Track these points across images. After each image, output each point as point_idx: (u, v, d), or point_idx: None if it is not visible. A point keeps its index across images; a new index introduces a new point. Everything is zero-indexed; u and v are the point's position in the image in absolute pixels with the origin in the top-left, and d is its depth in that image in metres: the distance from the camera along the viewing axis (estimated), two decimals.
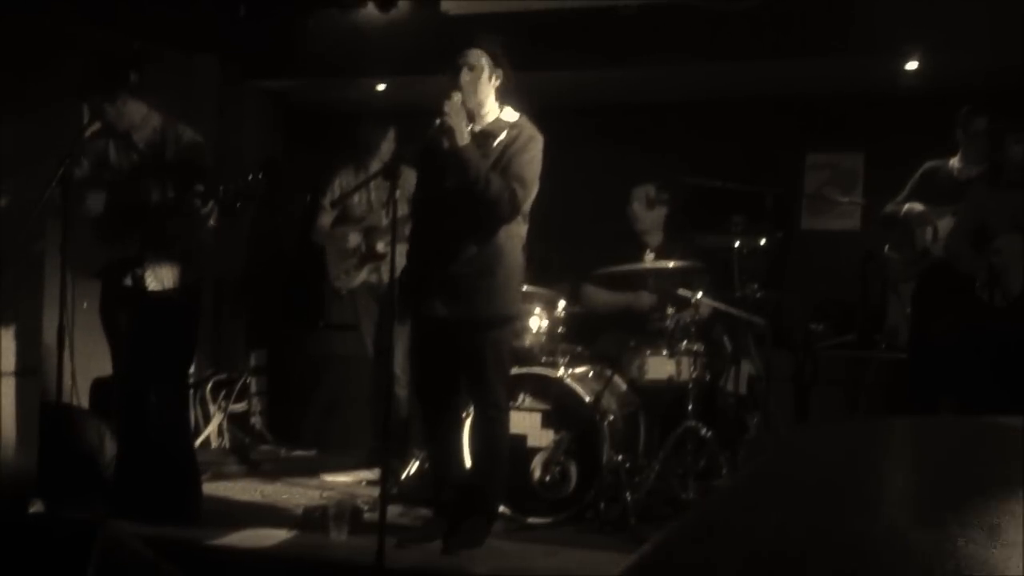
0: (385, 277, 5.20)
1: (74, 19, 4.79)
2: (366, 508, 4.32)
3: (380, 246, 5.37)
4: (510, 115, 4.00)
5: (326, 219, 5.58)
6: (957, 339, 4.47)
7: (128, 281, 4.20)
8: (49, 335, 4.26)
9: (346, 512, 4.05)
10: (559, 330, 4.76)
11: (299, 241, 6.21)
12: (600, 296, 5.23)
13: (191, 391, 5.51)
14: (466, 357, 3.98)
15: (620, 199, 5.36)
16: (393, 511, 4.12)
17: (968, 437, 1.45)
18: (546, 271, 5.01)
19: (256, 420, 6.35)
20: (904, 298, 4.89)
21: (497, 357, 3.98)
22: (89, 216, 4.18)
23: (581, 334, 5.00)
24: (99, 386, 5.12)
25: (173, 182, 4.07)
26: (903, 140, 5.59)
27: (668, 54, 5.61)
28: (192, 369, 5.06)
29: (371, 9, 5.77)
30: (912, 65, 5.44)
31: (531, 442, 4.42)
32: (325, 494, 4.85)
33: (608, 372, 4.61)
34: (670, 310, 4.72)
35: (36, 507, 4.18)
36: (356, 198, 5.49)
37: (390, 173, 3.74)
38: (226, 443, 6.01)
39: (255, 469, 5.52)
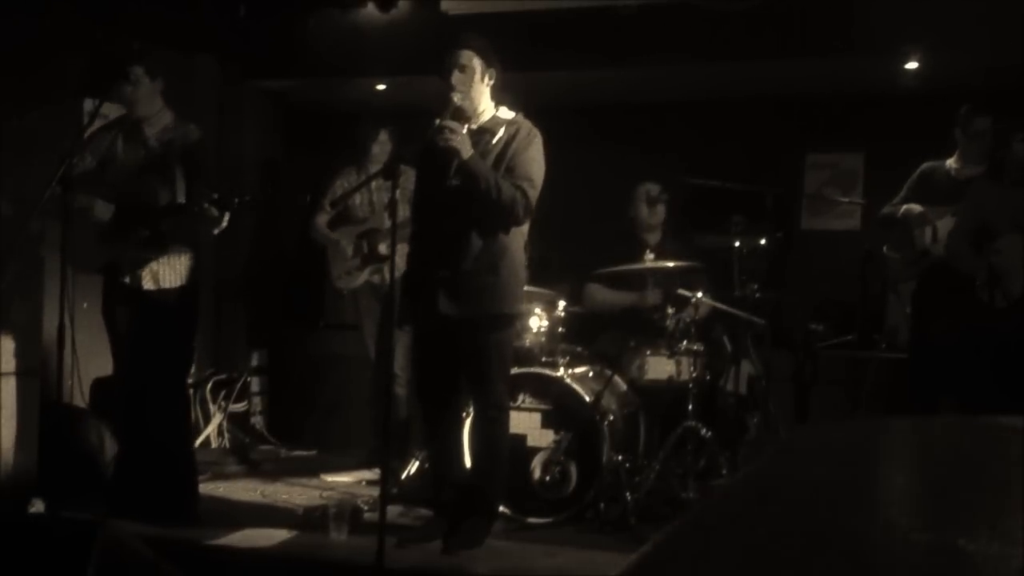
0: (387, 277, 5.21)
1: (74, 19, 4.80)
2: (366, 508, 4.33)
3: (382, 247, 5.38)
4: (506, 113, 4.01)
5: (323, 218, 5.59)
6: (957, 339, 4.47)
7: (127, 279, 4.20)
8: (49, 335, 4.26)
9: (346, 512, 4.05)
10: (559, 330, 4.76)
11: (299, 241, 6.22)
12: (601, 295, 5.23)
13: (191, 391, 5.51)
14: (467, 356, 3.98)
15: (620, 199, 5.36)
16: (393, 511, 4.12)
17: (968, 437, 1.45)
18: (546, 271, 5.01)
19: (256, 420, 6.36)
20: (904, 298, 4.89)
21: (498, 356, 3.98)
22: (93, 220, 4.19)
23: (581, 334, 5.00)
24: (99, 386, 5.12)
25: (177, 180, 4.07)
26: (903, 140, 5.58)
27: (668, 54, 5.61)
28: (192, 369, 5.06)
29: (371, 9, 5.77)
30: (912, 65, 5.44)
31: (531, 442, 4.42)
32: (325, 494, 4.85)
33: (608, 372, 4.61)
34: (670, 310, 4.72)
35: (36, 507, 4.18)
36: (357, 199, 5.49)
37: (390, 173, 3.75)
38: (226, 443, 6.01)
39: (255, 469, 5.52)
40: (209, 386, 6.05)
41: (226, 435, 6.03)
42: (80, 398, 5.04)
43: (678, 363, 4.66)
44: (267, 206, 5.95)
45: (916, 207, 4.65)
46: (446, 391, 4.10)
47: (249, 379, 6.31)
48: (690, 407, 4.53)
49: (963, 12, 4.99)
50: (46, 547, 3.74)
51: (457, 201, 3.85)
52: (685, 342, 4.65)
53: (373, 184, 5.09)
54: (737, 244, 4.86)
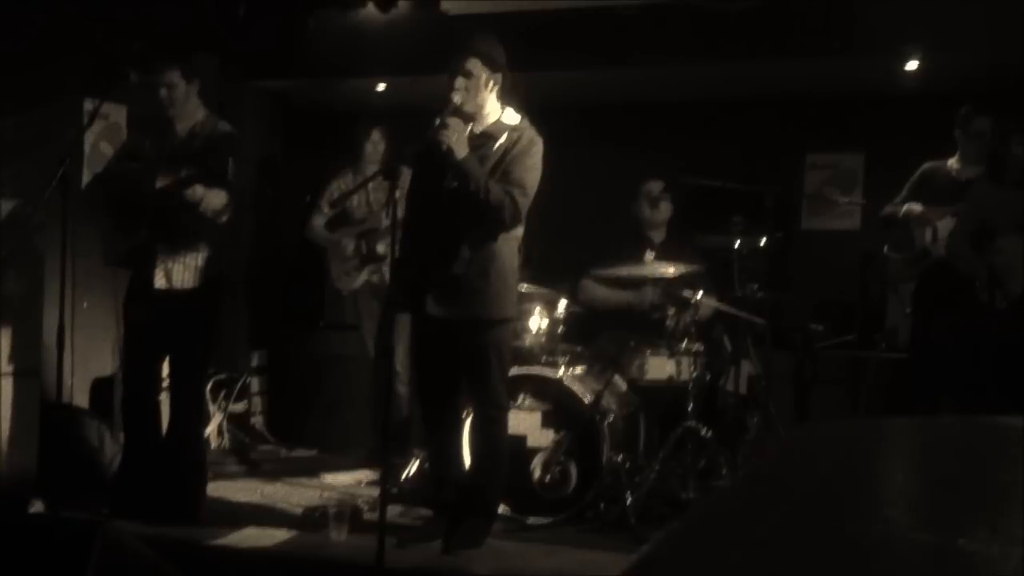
0: (387, 277, 5.21)
1: (74, 19, 4.80)
2: (366, 508, 4.33)
3: (380, 247, 5.39)
4: (511, 117, 4.00)
5: (320, 220, 5.60)
6: (957, 339, 4.47)
7: (145, 276, 4.18)
8: (49, 335, 4.26)
9: (346, 512, 4.05)
10: (559, 330, 4.75)
11: (299, 241, 6.22)
12: (599, 292, 5.22)
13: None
14: (466, 357, 3.98)
15: (620, 198, 5.36)
16: (393, 511, 4.12)
17: (968, 437, 1.45)
18: (546, 270, 5.01)
19: (256, 420, 6.36)
20: (904, 298, 4.89)
21: (496, 357, 3.98)
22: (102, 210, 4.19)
23: (581, 334, 5.00)
24: (99, 386, 5.12)
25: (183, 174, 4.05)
26: (903, 140, 5.58)
27: (668, 54, 5.61)
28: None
29: (371, 9, 5.77)
30: (912, 65, 5.44)
31: (531, 442, 4.42)
32: (325, 494, 4.85)
33: (608, 372, 4.61)
34: (670, 310, 4.71)
35: (36, 507, 4.18)
36: (355, 200, 5.50)
37: (390, 174, 3.74)
38: (226, 443, 6.01)
39: (255, 469, 5.52)
40: (209, 386, 6.05)
41: (226, 435, 6.03)
42: (80, 398, 5.04)
43: (678, 363, 4.65)
44: (266, 205, 5.95)
45: (917, 207, 4.65)
46: (446, 391, 4.10)
47: (249, 379, 6.31)
48: (690, 407, 4.53)
49: (963, 12, 4.99)
50: (46, 547, 3.74)
51: (451, 203, 3.84)
52: (685, 342, 4.65)
53: (371, 184, 5.09)
54: (737, 244, 4.85)
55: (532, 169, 3.90)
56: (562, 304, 4.77)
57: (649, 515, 4.23)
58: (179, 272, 4.16)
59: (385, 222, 5.31)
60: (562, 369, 4.52)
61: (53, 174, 3.86)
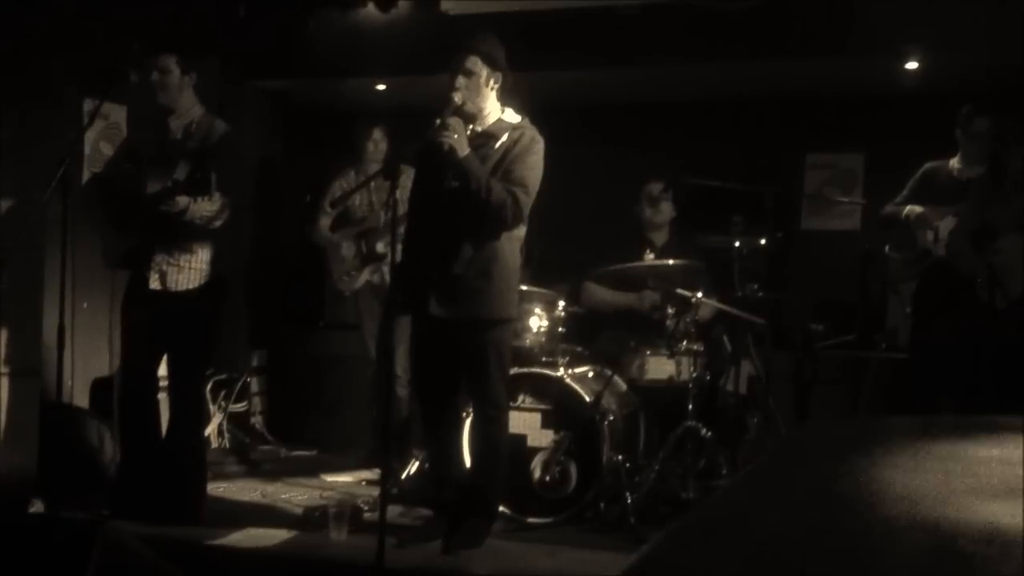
0: (387, 277, 5.21)
1: (74, 19, 4.80)
2: (366, 508, 4.33)
3: (380, 247, 5.39)
4: (512, 116, 4.00)
5: (325, 220, 5.60)
6: (957, 339, 4.47)
7: (143, 277, 4.18)
8: (49, 335, 4.25)
9: (346, 512, 4.05)
10: (559, 330, 4.75)
11: (299, 241, 6.22)
12: (599, 295, 5.23)
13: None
14: (466, 357, 3.98)
15: (620, 199, 5.36)
16: (393, 511, 4.12)
17: (968, 437, 1.45)
18: (546, 271, 5.01)
19: (256, 420, 6.36)
20: (904, 298, 4.89)
21: (496, 357, 3.98)
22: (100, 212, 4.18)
23: (581, 334, 5.00)
24: (99, 386, 5.12)
25: (178, 174, 4.04)
26: (903, 140, 5.58)
27: (668, 54, 5.60)
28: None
29: (371, 9, 5.77)
30: (912, 65, 5.44)
31: (531, 442, 4.42)
32: (325, 494, 4.85)
33: (608, 372, 4.61)
34: (670, 310, 4.71)
35: (36, 507, 4.18)
36: (356, 199, 5.50)
37: (390, 173, 3.75)
38: (226, 443, 6.01)
39: (255, 469, 5.52)
40: (209, 386, 6.05)
41: (226, 435, 6.03)
42: (80, 398, 5.04)
43: (678, 363, 4.65)
44: (266, 205, 5.95)
45: (917, 207, 4.65)
46: (446, 391, 4.10)
47: (249, 379, 6.31)
48: (690, 407, 4.53)
49: (963, 12, 4.99)
50: (46, 547, 3.74)
51: (453, 203, 3.84)
52: (685, 342, 4.65)
53: (372, 184, 5.09)
54: (737, 244, 4.85)
55: (533, 168, 3.90)
56: (562, 304, 4.77)
57: (649, 515, 4.22)
58: (177, 274, 4.15)
59: (385, 222, 5.31)
60: (562, 369, 4.52)
61: (53, 174, 3.86)
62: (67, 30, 4.74)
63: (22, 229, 4.10)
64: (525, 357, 4.58)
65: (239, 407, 6.19)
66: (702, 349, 4.72)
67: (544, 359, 4.64)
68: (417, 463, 4.81)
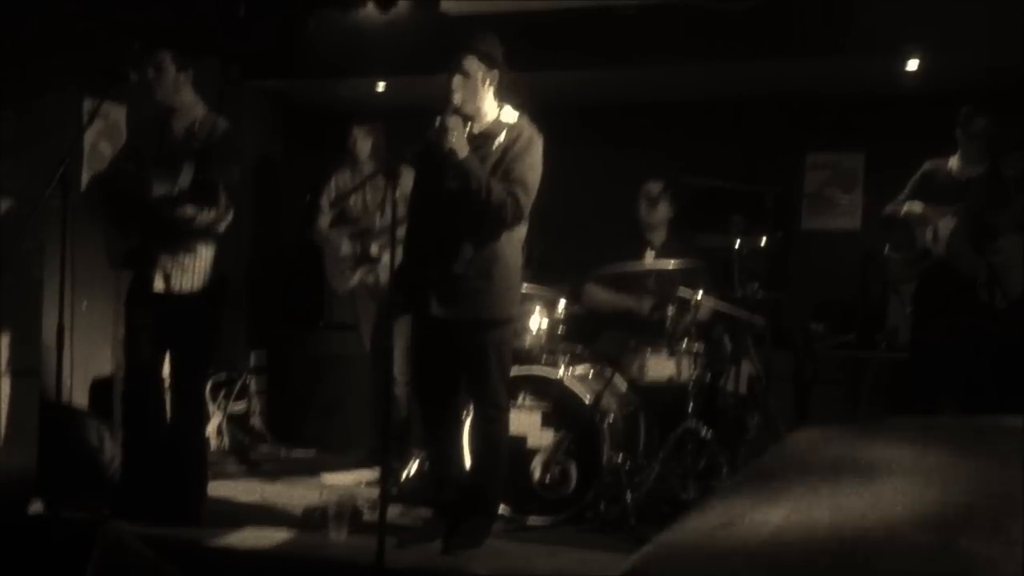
0: (382, 278, 5.21)
1: (74, 18, 4.80)
2: (366, 508, 4.32)
3: (373, 248, 5.38)
4: (509, 115, 3.99)
5: (324, 220, 5.60)
6: (957, 339, 4.47)
7: (144, 278, 4.17)
8: (49, 335, 4.25)
9: (346, 512, 4.04)
10: (559, 330, 4.75)
11: (299, 241, 6.21)
12: (602, 296, 5.23)
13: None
14: (466, 357, 3.98)
15: (620, 199, 5.36)
16: (393, 511, 4.12)
17: (968, 437, 1.45)
18: (546, 270, 5.01)
19: (256, 420, 6.35)
20: (904, 298, 4.89)
21: (497, 357, 3.97)
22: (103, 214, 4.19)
23: (581, 334, 5.00)
24: (99, 386, 5.12)
25: (182, 175, 4.03)
26: (903, 140, 5.58)
27: (668, 54, 5.60)
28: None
29: (371, 9, 5.76)
30: (912, 65, 5.44)
31: (531, 442, 4.42)
32: (325, 494, 4.85)
33: (608, 372, 4.61)
34: (670, 310, 4.71)
35: (36, 507, 4.18)
36: (352, 199, 5.50)
37: (390, 174, 3.74)
38: (226, 443, 6.01)
39: (255, 469, 5.52)
40: (209, 386, 6.05)
41: (226, 435, 6.02)
42: (80, 398, 5.04)
43: (678, 363, 4.65)
44: (266, 205, 5.94)
45: (918, 206, 4.65)
46: (446, 391, 4.10)
47: (249, 379, 6.31)
48: (690, 407, 4.53)
49: (963, 12, 4.99)
50: (46, 547, 3.74)
51: (453, 203, 3.84)
52: (685, 342, 4.65)
53: (368, 184, 5.10)
54: (737, 244, 4.85)
55: (533, 167, 3.90)
56: (562, 304, 4.77)
57: (649, 515, 4.22)
58: (181, 275, 4.15)
59: (380, 223, 5.31)
60: (562, 369, 4.52)
61: (52, 174, 3.86)
62: (67, 30, 4.74)
63: (22, 229, 4.10)
64: (525, 357, 4.58)
65: (239, 407, 6.19)
66: (702, 349, 4.72)
67: (544, 359, 4.64)
68: (417, 463, 4.81)
